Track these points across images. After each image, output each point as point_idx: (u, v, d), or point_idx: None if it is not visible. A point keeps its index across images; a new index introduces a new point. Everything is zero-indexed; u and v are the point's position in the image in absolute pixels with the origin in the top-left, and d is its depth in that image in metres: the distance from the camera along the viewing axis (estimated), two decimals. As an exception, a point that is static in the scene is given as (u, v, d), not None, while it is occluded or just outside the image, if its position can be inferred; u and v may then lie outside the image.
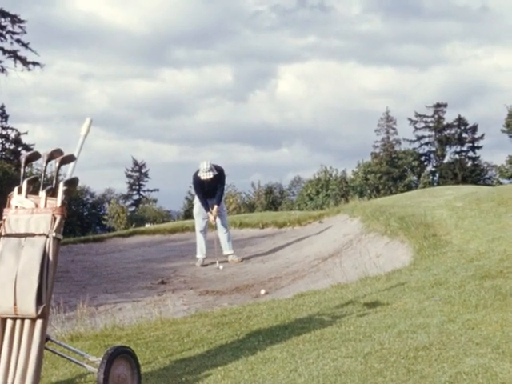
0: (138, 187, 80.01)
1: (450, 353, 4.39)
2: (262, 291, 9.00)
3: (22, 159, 4.02)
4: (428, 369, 4.10)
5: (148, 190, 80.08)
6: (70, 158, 4.00)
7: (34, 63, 40.69)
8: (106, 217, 62.18)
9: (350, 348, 4.72)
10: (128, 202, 76.48)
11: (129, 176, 79.85)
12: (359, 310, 5.99)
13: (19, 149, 49.09)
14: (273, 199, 67.16)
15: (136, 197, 79.38)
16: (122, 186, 79.61)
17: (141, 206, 73.18)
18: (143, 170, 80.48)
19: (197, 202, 12.51)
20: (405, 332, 5.01)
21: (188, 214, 64.27)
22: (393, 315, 5.63)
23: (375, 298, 6.41)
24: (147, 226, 25.89)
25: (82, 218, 66.27)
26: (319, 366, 4.35)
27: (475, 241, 8.44)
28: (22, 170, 4.01)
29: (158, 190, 79.96)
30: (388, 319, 5.49)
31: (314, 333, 5.26)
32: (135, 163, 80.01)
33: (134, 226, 30.32)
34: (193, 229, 16.73)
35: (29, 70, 40.78)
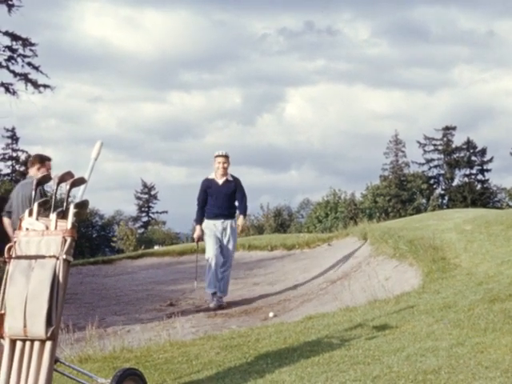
0: (147, 209, 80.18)
1: (459, 376, 4.38)
2: (271, 314, 8.99)
3: (34, 182, 4.06)
4: (437, 392, 4.09)
5: (157, 212, 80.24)
6: (80, 181, 4.04)
7: (45, 86, 40.91)
8: (115, 239, 62.26)
9: (358, 371, 4.71)
10: (137, 224, 76.62)
11: (138, 198, 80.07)
12: (368, 333, 5.98)
13: (29, 171, 49.23)
14: (282, 221, 67.08)
15: (145, 219, 79.53)
16: (131, 208, 79.88)
17: (150, 227, 73.28)
18: (152, 192, 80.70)
19: (206, 222, 10.25)
20: (413, 355, 4.99)
21: (197, 237, 64.14)
22: (401, 338, 5.62)
23: (384, 321, 6.39)
24: (156, 248, 25.92)
25: (91, 239, 66.38)
26: (328, 389, 4.35)
27: (484, 264, 8.42)
28: (33, 193, 4.04)
29: (166, 212, 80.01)
30: (397, 342, 5.48)
31: (322, 356, 5.25)
32: (144, 185, 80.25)
33: (143, 248, 30.32)
34: (202, 251, 16.82)
35: (40, 92, 40.95)
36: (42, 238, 3.84)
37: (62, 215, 3.89)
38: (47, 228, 3.87)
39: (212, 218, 10.25)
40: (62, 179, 3.99)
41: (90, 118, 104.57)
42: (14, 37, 39.55)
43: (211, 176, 10.39)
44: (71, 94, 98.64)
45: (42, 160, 9.24)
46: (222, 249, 10.16)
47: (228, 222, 10.24)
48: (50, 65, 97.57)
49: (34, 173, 9.14)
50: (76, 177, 4.04)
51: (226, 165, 10.19)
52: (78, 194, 4.14)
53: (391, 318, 6.50)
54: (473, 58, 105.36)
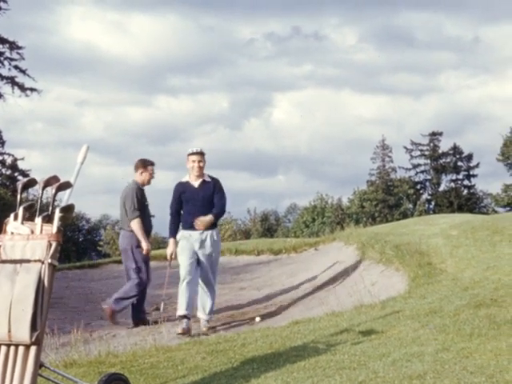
0: (134, 214, 79.89)
1: (444, 382, 4.39)
2: (257, 318, 8.98)
3: (19, 186, 4.04)
4: (422, 398, 4.10)
5: (144, 217, 79.94)
6: (66, 185, 4.02)
7: (32, 89, 40.86)
8: (101, 243, 62.02)
9: (344, 376, 4.72)
10: (124, 229, 76.27)
11: (125, 202, 79.75)
12: (354, 338, 5.99)
13: (16, 174, 48.97)
14: (269, 226, 67.14)
15: (132, 223, 79.25)
16: (118, 212, 79.42)
17: (136, 232, 73.01)
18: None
19: (181, 233, 8.83)
20: (399, 360, 5.00)
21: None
22: (387, 343, 5.63)
23: (370, 326, 6.40)
24: (143, 252, 25.82)
25: (77, 243, 66.11)
26: (313, 395, 4.35)
27: (470, 269, 8.45)
28: (18, 197, 4.03)
29: (153, 216, 79.60)
30: (382, 348, 5.49)
31: (308, 361, 5.26)
32: (131, 190, 79.95)
33: (129, 252, 30.22)
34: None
35: (26, 95, 40.97)
36: (27, 242, 3.82)
37: (48, 219, 3.87)
38: (32, 232, 3.85)
39: (188, 228, 8.70)
40: (48, 183, 3.98)
41: (76, 121, 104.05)
42: (1, 40, 39.49)
43: (185, 179, 8.87)
44: (58, 98, 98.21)
45: (145, 165, 9.52)
46: (201, 266, 8.65)
47: (208, 233, 8.66)
48: (37, 68, 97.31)
49: (138, 177, 9.50)
50: (62, 181, 4.02)
51: (201, 164, 8.62)
52: (64, 198, 4.12)
53: (377, 323, 6.51)
54: (459, 64, 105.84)
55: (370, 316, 6.89)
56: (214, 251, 8.71)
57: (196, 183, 8.75)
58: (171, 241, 8.84)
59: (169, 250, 8.85)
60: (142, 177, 9.43)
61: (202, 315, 8.70)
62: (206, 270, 8.69)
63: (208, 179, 8.79)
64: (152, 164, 9.55)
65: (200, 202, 8.67)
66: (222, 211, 8.97)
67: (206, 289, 8.76)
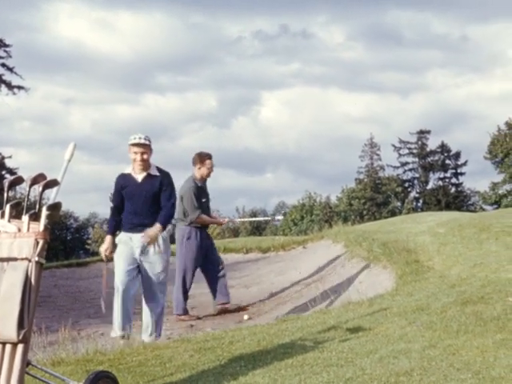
0: (122, 212, 79.77)
1: (430, 378, 4.41)
2: (245, 316, 9.01)
3: (6, 183, 4.03)
4: (409, 394, 4.12)
5: (131, 215, 79.85)
6: (53, 183, 4.01)
7: (19, 87, 40.80)
8: (89, 241, 61.91)
9: (331, 373, 4.73)
10: (112, 227, 76.11)
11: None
12: (341, 335, 6.00)
13: (3, 172, 48.80)
14: (257, 224, 67.12)
15: (120, 221, 79.10)
16: (106, 211, 79.24)
17: (123, 230, 72.94)
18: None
19: (121, 235, 7.57)
20: (386, 357, 5.02)
21: (172, 240, 64.15)
22: (375, 341, 5.65)
23: (357, 323, 6.42)
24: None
25: (65, 242, 65.97)
26: (301, 392, 4.36)
27: (457, 267, 8.50)
28: (5, 195, 4.01)
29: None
30: (370, 345, 5.51)
31: (296, 358, 5.26)
32: (119, 188, 79.82)
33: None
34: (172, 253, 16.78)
35: (14, 94, 40.89)
36: (14, 240, 3.81)
37: (35, 217, 3.87)
38: (19, 230, 3.84)
39: (128, 230, 7.42)
40: (35, 181, 3.97)
41: (64, 119, 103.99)
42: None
43: (128, 170, 7.61)
44: (45, 96, 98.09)
45: (203, 159, 9.49)
46: (142, 276, 7.39)
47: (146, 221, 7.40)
48: (24, 66, 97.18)
49: (196, 172, 9.56)
50: (49, 179, 4.01)
51: (145, 156, 7.38)
52: (51, 195, 4.11)
53: (364, 320, 6.53)
54: (446, 63, 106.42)
55: (358, 313, 6.91)
56: (160, 259, 7.40)
57: (139, 177, 7.48)
58: (108, 238, 7.52)
59: (103, 247, 7.45)
60: (201, 171, 9.49)
61: (144, 337, 7.29)
62: (148, 282, 7.37)
63: (155, 173, 7.50)
64: (210, 157, 9.51)
65: (143, 199, 7.42)
66: (170, 214, 7.55)
67: (149, 305, 7.41)
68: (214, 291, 9.63)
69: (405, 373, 4.56)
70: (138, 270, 7.37)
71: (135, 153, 7.38)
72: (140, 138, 7.34)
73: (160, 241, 7.37)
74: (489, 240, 9.50)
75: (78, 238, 70.54)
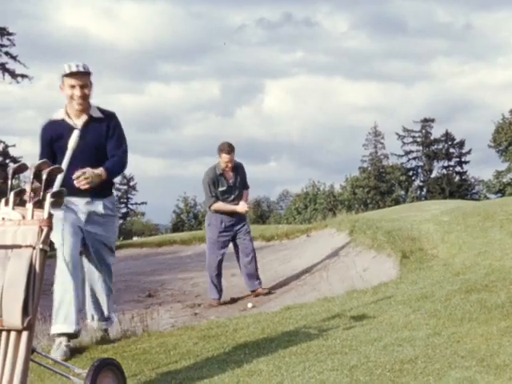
0: (125, 200, 79.98)
1: (435, 366, 4.41)
2: (249, 304, 9.01)
3: (10, 171, 4.03)
4: (413, 382, 4.12)
5: (136, 204, 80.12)
6: (57, 170, 4.01)
7: (23, 76, 40.78)
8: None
9: (336, 361, 4.73)
10: (116, 215, 76.33)
11: (117, 189, 79.75)
12: (345, 323, 6.01)
13: (7, 161, 48.90)
14: (261, 213, 67.29)
15: (124, 210, 79.33)
16: (109, 198, 79.57)
17: (128, 219, 73.22)
18: (131, 183, 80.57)
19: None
20: (391, 345, 5.02)
21: (176, 228, 64.29)
22: (379, 328, 5.65)
23: (362, 311, 6.42)
24: (135, 239, 25.87)
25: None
26: (305, 379, 4.36)
27: (461, 255, 8.49)
28: (9, 182, 4.01)
29: (145, 203, 79.91)
30: (374, 332, 5.51)
31: (300, 346, 5.27)
32: (123, 176, 79.95)
33: (121, 239, 30.26)
34: (180, 241, 16.82)
35: (17, 82, 40.88)
36: (18, 227, 3.81)
37: (39, 205, 3.87)
38: (24, 218, 3.85)
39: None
40: (39, 168, 3.97)
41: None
42: (-7, 27, 39.29)
43: (58, 115, 5.76)
44: (49, 85, 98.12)
45: (219, 151, 9.48)
46: (90, 254, 5.89)
47: (99, 204, 5.74)
48: (28, 55, 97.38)
49: (218, 160, 9.54)
50: (53, 166, 4.01)
51: (87, 90, 5.61)
52: (55, 183, 4.11)
53: (369, 308, 6.54)
54: (451, 51, 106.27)
55: (362, 301, 6.92)
56: (108, 230, 5.91)
57: (78, 122, 5.66)
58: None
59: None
60: (220, 161, 9.54)
61: (94, 322, 6.16)
62: (98, 263, 5.99)
63: (98, 114, 5.78)
64: (226, 152, 9.41)
65: (86, 153, 5.53)
66: (120, 164, 5.82)
67: (98, 284, 6.06)
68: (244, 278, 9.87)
69: (409, 360, 4.56)
70: (84, 241, 5.74)
71: (72, 87, 5.56)
72: (78, 66, 5.54)
73: (112, 212, 5.89)
74: (493, 228, 9.48)
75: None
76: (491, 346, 4.75)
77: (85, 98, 5.59)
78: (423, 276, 7.77)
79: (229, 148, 9.39)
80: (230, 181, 9.55)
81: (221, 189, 9.49)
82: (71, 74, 5.52)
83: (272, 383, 4.35)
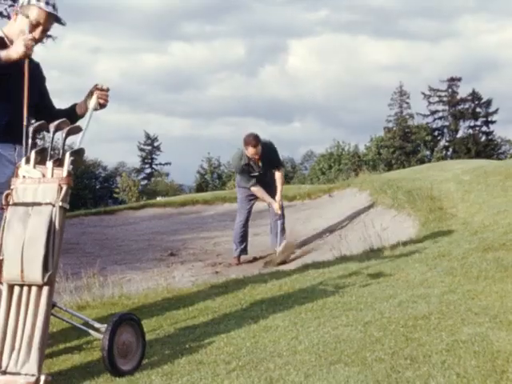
0: (150, 161, 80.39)
1: (448, 322, 4.47)
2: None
3: (30, 129, 4.10)
4: (426, 337, 4.18)
5: (160, 164, 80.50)
6: (76, 129, 4.08)
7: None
8: (117, 190, 62.45)
9: (350, 317, 4.81)
10: (140, 176, 76.91)
11: (141, 150, 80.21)
12: (362, 280, 6.08)
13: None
14: (285, 173, 67.26)
15: (148, 170, 79.80)
16: (134, 160, 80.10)
17: (153, 179, 73.51)
18: (155, 144, 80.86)
19: None
20: (405, 302, 5.09)
21: (200, 188, 64.55)
22: (395, 286, 5.72)
23: (378, 269, 6.49)
24: (158, 199, 26.02)
25: (94, 191, 66.64)
26: (319, 334, 4.44)
27: (480, 214, 8.49)
28: (29, 141, 4.08)
29: (170, 163, 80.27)
30: (390, 290, 5.58)
31: (316, 302, 5.35)
32: (147, 137, 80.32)
33: (145, 199, 30.44)
34: (203, 201, 16.93)
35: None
36: (38, 185, 3.88)
37: (58, 163, 3.94)
38: (44, 176, 3.92)
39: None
40: (58, 127, 4.03)
41: (91, 69, 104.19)
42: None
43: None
44: (72, 45, 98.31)
45: (245, 143, 9.42)
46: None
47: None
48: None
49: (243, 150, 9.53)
50: (72, 125, 4.08)
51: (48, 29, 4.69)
52: (76, 142, 4.17)
53: (386, 266, 6.60)
54: (478, 9, 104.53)
55: (380, 260, 6.98)
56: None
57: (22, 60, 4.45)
58: None
59: None
60: (246, 152, 9.50)
61: None
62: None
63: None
64: (252, 145, 9.32)
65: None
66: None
67: None
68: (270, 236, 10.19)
69: (423, 316, 4.63)
70: None
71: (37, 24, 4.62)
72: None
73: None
74: (514, 187, 9.47)
75: (106, 187, 71.20)
76: (505, 303, 4.80)
77: (41, 39, 4.80)
78: (442, 235, 7.80)
79: (254, 141, 9.30)
80: (256, 165, 9.60)
81: (252, 174, 9.60)
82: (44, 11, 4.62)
83: (287, 338, 4.44)
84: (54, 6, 4.65)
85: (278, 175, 9.84)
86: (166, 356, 4.24)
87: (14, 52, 4.40)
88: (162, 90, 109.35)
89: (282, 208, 9.83)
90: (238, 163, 9.57)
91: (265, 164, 9.59)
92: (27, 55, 4.41)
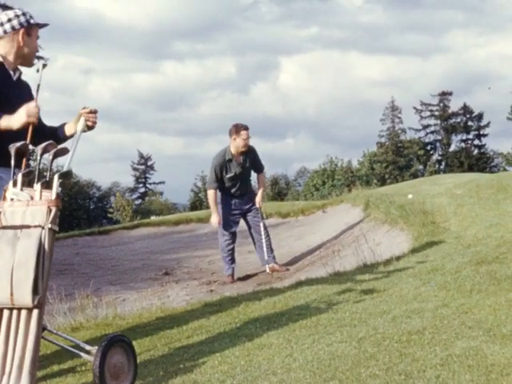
0: (144, 180, 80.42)
1: (442, 336, 4.45)
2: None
3: (12, 150, 4.06)
4: (420, 352, 4.16)
5: (154, 183, 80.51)
6: (63, 151, 4.07)
7: (38, 57, 40.83)
8: (111, 210, 62.37)
9: (344, 333, 4.79)
10: (134, 195, 76.88)
11: (135, 169, 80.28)
12: (356, 296, 6.06)
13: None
14: (279, 190, 67.27)
15: (142, 190, 79.81)
16: (128, 179, 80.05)
17: (147, 198, 73.49)
18: (149, 163, 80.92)
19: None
20: (399, 317, 5.07)
21: (194, 206, 64.45)
22: (388, 301, 5.70)
23: (372, 284, 6.48)
24: (152, 218, 26.01)
25: (88, 211, 66.52)
26: (314, 351, 4.42)
27: (473, 227, 8.49)
28: (12, 162, 4.04)
29: (163, 182, 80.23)
30: (383, 305, 5.56)
31: (310, 319, 5.33)
32: (141, 156, 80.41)
33: (139, 218, 30.41)
34: (197, 219, 16.90)
35: (33, 64, 40.95)
36: (27, 208, 3.87)
37: (46, 185, 3.93)
38: (32, 198, 3.91)
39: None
40: (45, 149, 4.02)
41: (83, 89, 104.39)
42: (6, 7, 39.34)
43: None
44: (64, 66, 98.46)
45: (237, 129, 9.44)
46: None
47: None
48: (43, 37, 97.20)
49: (232, 144, 9.55)
50: (59, 147, 4.07)
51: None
52: (65, 164, 4.16)
53: (379, 281, 6.58)
54: (467, 23, 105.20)
55: (373, 275, 6.96)
56: None
57: (14, 74, 4.90)
58: None
59: None
60: (236, 143, 9.47)
61: None
62: None
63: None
64: (246, 128, 9.44)
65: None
66: None
67: None
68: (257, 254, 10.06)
69: (417, 331, 4.61)
70: None
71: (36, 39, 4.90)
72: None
73: None
74: (506, 200, 9.48)
75: (100, 207, 71.09)
76: (499, 317, 4.79)
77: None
78: (435, 249, 7.80)
79: (245, 125, 9.43)
80: (239, 165, 9.56)
81: (228, 175, 9.53)
82: (38, 26, 4.89)
83: (282, 355, 4.42)
84: (31, 16, 4.78)
85: (259, 178, 9.96)
86: (161, 376, 4.21)
87: (16, 120, 4.36)
88: (155, 109, 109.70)
89: (265, 227, 9.82)
90: (220, 159, 9.50)
91: (244, 165, 9.61)
92: (31, 123, 4.37)
